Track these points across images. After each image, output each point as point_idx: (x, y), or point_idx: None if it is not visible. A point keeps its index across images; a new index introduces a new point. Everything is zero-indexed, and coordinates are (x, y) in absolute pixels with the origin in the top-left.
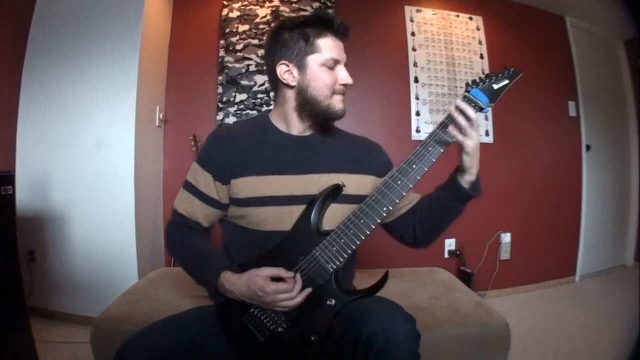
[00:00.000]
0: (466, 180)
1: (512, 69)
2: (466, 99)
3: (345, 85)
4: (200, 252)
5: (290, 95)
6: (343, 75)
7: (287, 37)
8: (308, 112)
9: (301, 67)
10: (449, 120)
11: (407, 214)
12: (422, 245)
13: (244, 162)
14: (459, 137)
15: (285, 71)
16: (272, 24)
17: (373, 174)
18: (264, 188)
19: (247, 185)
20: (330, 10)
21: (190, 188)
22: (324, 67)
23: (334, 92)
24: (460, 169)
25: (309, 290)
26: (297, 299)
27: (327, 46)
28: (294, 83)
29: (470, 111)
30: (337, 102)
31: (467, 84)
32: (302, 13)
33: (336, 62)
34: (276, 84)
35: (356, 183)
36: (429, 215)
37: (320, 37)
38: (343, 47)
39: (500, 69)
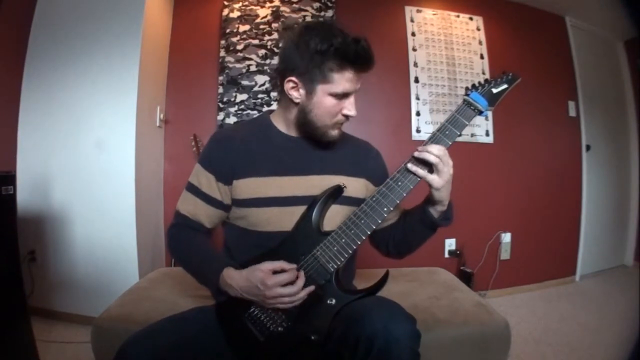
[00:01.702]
0: (437, 210)
1: (511, 74)
2: (466, 102)
3: (347, 116)
4: (202, 252)
5: (293, 109)
6: (348, 106)
7: (306, 56)
8: (304, 130)
9: (309, 90)
10: (413, 159)
11: (389, 227)
12: (393, 258)
13: (246, 163)
14: (425, 174)
15: (292, 88)
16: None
17: (370, 179)
18: (265, 189)
19: (249, 186)
20: (330, 11)
21: (193, 189)
22: (331, 97)
23: (335, 123)
24: (430, 201)
25: (311, 288)
26: (299, 295)
27: (343, 80)
28: (298, 101)
29: (434, 149)
30: (332, 131)
31: (466, 88)
32: (303, 14)
33: (346, 95)
34: (282, 91)
35: (356, 186)
36: (401, 234)
37: (338, 71)
38: (360, 79)
39: (500, 74)
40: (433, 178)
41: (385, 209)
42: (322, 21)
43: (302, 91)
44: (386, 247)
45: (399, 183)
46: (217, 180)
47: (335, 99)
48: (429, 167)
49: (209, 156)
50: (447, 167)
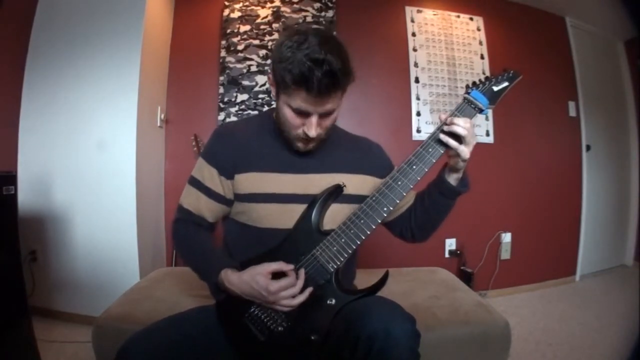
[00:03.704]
0: (454, 178)
1: (511, 72)
2: (466, 101)
3: (306, 135)
4: (203, 250)
5: None
6: (308, 125)
7: (276, 60)
8: None
9: (275, 93)
10: (442, 130)
11: (406, 213)
12: (420, 241)
13: (248, 158)
14: (457, 146)
15: (270, 83)
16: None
17: (374, 174)
18: (266, 185)
19: (250, 181)
20: (330, 11)
21: (196, 183)
22: (289, 109)
23: (296, 136)
24: (450, 169)
25: (310, 289)
26: (298, 299)
27: (299, 97)
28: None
29: (461, 121)
30: (297, 143)
31: (467, 86)
32: (304, 14)
33: (304, 113)
34: None
35: (357, 183)
36: (423, 213)
37: (294, 88)
38: (325, 101)
39: (500, 71)
40: (463, 149)
41: (385, 209)
42: (306, 28)
43: (273, 91)
44: (410, 232)
45: (399, 182)
46: (219, 174)
47: (294, 112)
48: (457, 139)
49: (211, 150)
50: (474, 138)
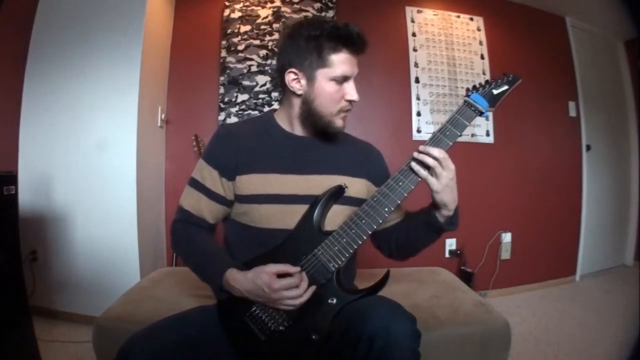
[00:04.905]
0: (442, 214)
1: (511, 75)
2: (466, 103)
3: (350, 101)
4: (205, 250)
5: (296, 103)
6: (350, 91)
7: (302, 45)
8: (309, 123)
9: (310, 79)
10: (414, 159)
11: (392, 228)
12: (396, 259)
13: (249, 159)
14: (426, 176)
15: (293, 79)
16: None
17: (371, 180)
18: (267, 186)
19: (252, 183)
20: (331, 12)
21: (197, 185)
22: (333, 82)
23: (339, 110)
24: (435, 205)
25: (313, 287)
26: (302, 298)
27: (340, 62)
28: (300, 92)
29: (434, 151)
30: (338, 120)
31: (467, 89)
32: (304, 14)
33: (346, 78)
34: (283, 87)
35: (357, 186)
36: (405, 236)
37: (334, 53)
38: (357, 62)
39: (500, 75)
40: (432, 181)
41: (386, 209)
42: (296, 20)
43: (303, 81)
44: (389, 248)
45: (400, 183)
46: (220, 175)
47: (336, 83)
48: (430, 168)
49: (213, 152)
50: (446, 172)
